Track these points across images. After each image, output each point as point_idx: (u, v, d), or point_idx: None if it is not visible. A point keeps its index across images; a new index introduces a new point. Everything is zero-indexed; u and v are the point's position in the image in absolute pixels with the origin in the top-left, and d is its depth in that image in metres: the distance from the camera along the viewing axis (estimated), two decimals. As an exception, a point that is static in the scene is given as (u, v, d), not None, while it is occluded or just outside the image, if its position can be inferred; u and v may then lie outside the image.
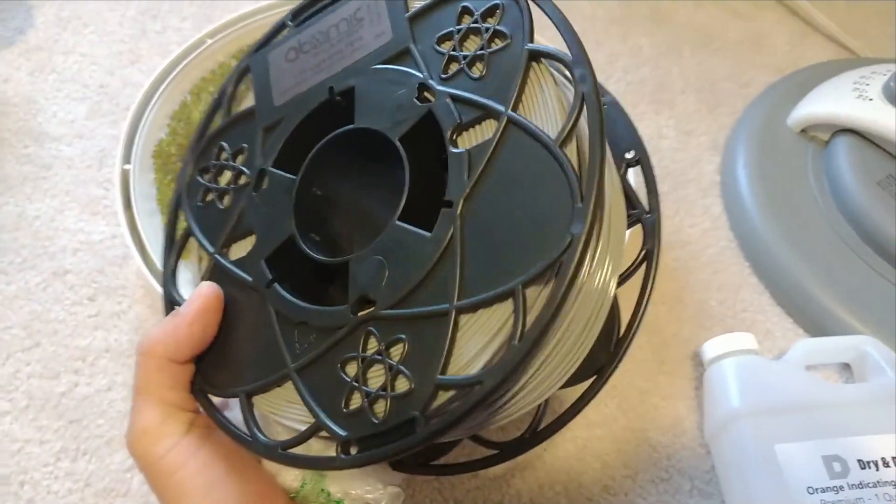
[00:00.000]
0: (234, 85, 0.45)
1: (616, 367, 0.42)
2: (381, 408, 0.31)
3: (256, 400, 0.36)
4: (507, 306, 0.30)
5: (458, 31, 0.36)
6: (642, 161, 0.44)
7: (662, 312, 0.62)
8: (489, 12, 0.36)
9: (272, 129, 0.41)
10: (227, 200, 0.42)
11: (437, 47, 0.37)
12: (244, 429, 0.36)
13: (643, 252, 0.42)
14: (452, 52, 0.36)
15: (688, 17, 0.84)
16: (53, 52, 0.70)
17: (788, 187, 0.67)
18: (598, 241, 0.33)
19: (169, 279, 0.42)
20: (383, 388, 0.32)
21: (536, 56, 0.34)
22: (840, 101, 0.67)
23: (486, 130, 0.34)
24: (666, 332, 0.61)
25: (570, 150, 0.31)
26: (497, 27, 0.35)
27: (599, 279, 0.34)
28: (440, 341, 0.31)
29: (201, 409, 0.37)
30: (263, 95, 0.43)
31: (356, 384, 0.32)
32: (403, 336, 0.32)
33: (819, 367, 0.59)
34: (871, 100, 0.65)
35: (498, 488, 0.52)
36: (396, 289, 0.33)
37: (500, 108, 0.33)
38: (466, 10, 0.36)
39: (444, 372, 0.30)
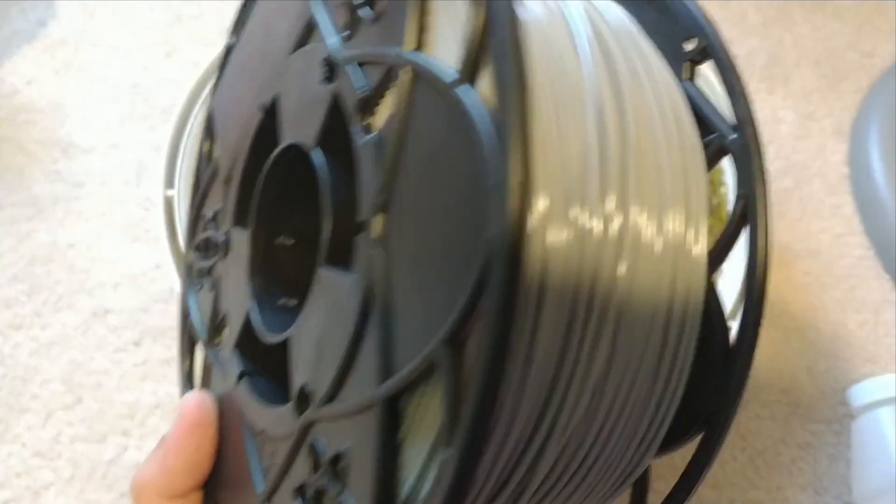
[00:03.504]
0: (207, 139, 0.36)
1: (736, 406, 0.24)
2: None
3: None
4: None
5: None
6: (713, 51, 0.25)
7: (793, 341, 0.53)
8: None
9: (231, 179, 0.32)
10: (214, 277, 0.33)
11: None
12: None
13: (740, 202, 0.23)
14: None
15: (798, -26, 0.72)
16: (80, 46, 0.61)
17: (935, 183, 0.57)
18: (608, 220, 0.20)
19: (184, 385, 0.34)
20: None
21: None
22: None
23: (397, 96, 0.22)
24: (798, 365, 0.52)
25: (486, 86, 0.19)
26: None
27: (660, 273, 0.21)
28: (374, 449, 0.20)
29: None
30: (223, 139, 0.34)
31: None
32: (348, 445, 0.21)
33: None
34: None
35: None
36: (330, 373, 0.22)
37: (394, 52, 0.21)
38: None
39: (382, 498, 0.19)
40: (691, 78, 0.25)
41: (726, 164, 0.50)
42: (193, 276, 0.36)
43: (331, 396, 0.22)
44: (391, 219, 0.21)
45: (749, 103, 0.23)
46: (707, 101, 0.24)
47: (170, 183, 0.49)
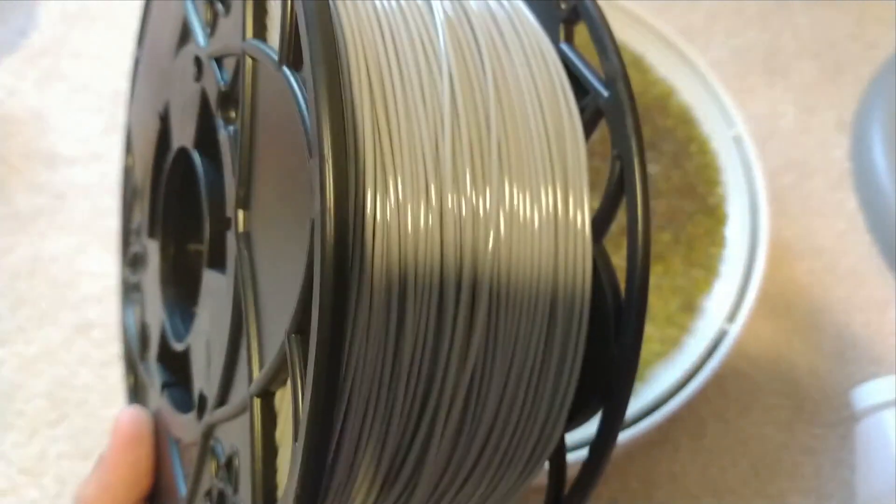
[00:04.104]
0: (129, 154, 0.36)
1: (632, 375, 0.21)
2: None
3: None
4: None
5: None
6: (583, 9, 0.23)
7: (796, 343, 0.52)
8: None
9: (144, 190, 0.32)
10: (141, 291, 0.33)
11: None
12: None
13: (616, 163, 0.22)
14: None
15: (796, -37, 0.71)
16: (61, 55, 0.60)
17: (940, 176, 0.55)
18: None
19: (130, 402, 0.33)
20: None
21: None
22: None
23: (244, 86, 0.22)
24: (801, 367, 0.51)
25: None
26: None
27: (539, 245, 0.20)
28: (252, 449, 0.19)
29: None
30: (136, 152, 0.34)
31: None
32: (237, 446, 0.21)
33: None
34: None
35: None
36: (217, 375, 0.22)
37: (237, 41, 0.21)
38: None
39: (262, 494, 0.19)
40: (568, 39, 0.24)
41: (723, 163, 0.49)
42: (128, 291, 0.36)
43: (221, 400, 0.21)
44: (252, 212, 0.20)
45: (621, 60, 0.21)
46: (584, 62, 0.23)
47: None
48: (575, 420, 0.22)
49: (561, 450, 0.23)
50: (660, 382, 0.42)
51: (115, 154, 0.56)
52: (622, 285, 0.21)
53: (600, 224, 0.22)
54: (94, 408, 0.48)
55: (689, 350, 0.43)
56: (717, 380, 0.50)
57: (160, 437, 0.29)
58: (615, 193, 0.21)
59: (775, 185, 0.58)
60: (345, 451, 0.18)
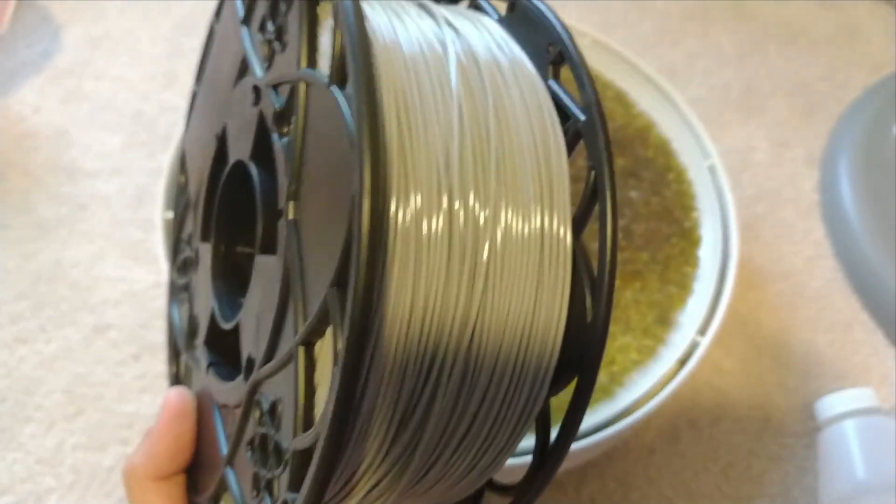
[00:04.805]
0: (182, 173, 0.41)
1: (603, 340, 0.25)
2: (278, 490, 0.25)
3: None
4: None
5: (265, 7, 0.30)
6: (567, 54, 0.28)
7: (766, 359, 0.55)
8: None
9: (198, 202, 0.37)
10: (189, 291, 0.38)
11: (261, 37, 0.31)
12: None
13: (591, 173, 0.26)
14: (268, 36, 0.30)
15: (772, 10, 0.76)
16: (84, 76, 0.64)
17: (900, 208, 0.60)
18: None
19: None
20: (270, 467, 0.25)
21: None
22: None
23: (299, 105, 0.27)
24: (770, 381, 0.55)
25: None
26: None
27: (527, 229, 0.24)
28: (295, 390, 0.23)
29: None
30: (191, 171, 0.39)
31: (255, 469, 0.26)
32: (281, 393, 0.25)
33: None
34: None
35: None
36: (266, 338, 0.26)
37: (293, 71, 0.27)
38: None
39: (303, 430, 0.23)
40: (555, 76, 0.29)
41: (698, 191, 0.53)
42: (175, 292, 0.40)
43: (268, 357, 0.25)
44: (300, 203, 0.25)
45: (595, 90, 0.27)
46: (566, 94, 0.28)
47: (170, 205, 0.52)
48: (557, 385, 0.26)
49: (546, 411, 0.27)
50: (637, 387, 0.46)
51: (134, 169, 0.60)
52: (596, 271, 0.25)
53: (579, 221, 0.26)
54: (108, 403, 0.51)
55: (664, 359, 0.47)
56: (692, 391, 0.54)
57: (202, 414, 0.33)
58: (590, 196, 0.26)
59: (749, 213, 0.62)
60: (370, 388, 0.22)
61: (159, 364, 0.53)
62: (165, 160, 0.52)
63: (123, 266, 0.56)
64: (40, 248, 0.57)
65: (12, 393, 0.51)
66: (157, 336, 0.54)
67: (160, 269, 0.51)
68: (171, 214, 0.52)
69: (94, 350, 0.53)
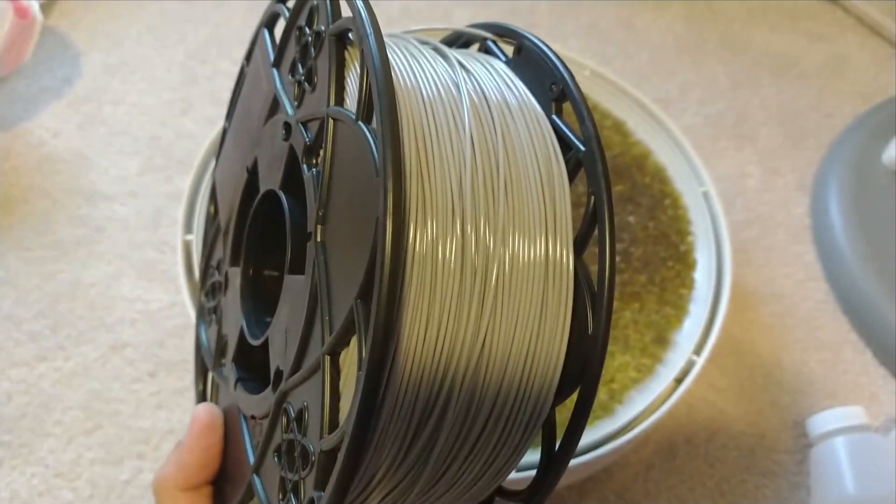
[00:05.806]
0: (212, 203, 0.44)
1: (603, 351, 0.27)
2: (304, 492, 0.27)
3: None
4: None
5: (296, 52, 0.33)
6: (568, 92, 0.31)
7: (759, 378, 0.57)
8: (311, 19, 0.33)
9: (228, 230, 0.40)
10: (218, 313, 0.41)
11: (291, 78, 0.34)
12: None
13: (591, 199, 0.29)
14: (298, 78, 0.33)
15: (763, 42, 0.79)
16: (102, 102, 0.67)
17: (888, 232, 0.62)
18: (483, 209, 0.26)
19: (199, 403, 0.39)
20: (297, 470, 0.27)
21: (341, 36, 0.30)
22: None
23: (327, 139, 0.30)
24: (763, 399, 0.57)
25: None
26: (315, 29, 0.32)
27: (533, 253, 0.27)
28: (321, 395, 0.26)
29: None
30: (222, 201, 0.42)
31: (282, 473, 0.28)
32: (307, 401, 0.27)
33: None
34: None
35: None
36: (293, 350, 0.29)
37: (322, 109, 0.29)
38: (299, 29, 0.34)
39: (329, 424, 0.25)
40: (558, 112, 0.32)
41: (693, 216, 0.56)
42: (204, 314, 0.43)
43: (295, 368, 0.28)
44: (327, 227, 0.28)
45: (594, 125, 0.30)
46: (568, 127, 0.31)
47: (188, 228, 0.54)
48: (560, 396, 0.28)
49: (551, 419, 0.29)
50: (635, 404, 0.48)
51: (151, 192, 0.62)
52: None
53: (580, 242, 0.29)
54: (125, 419, 0.53)
55: (661, 377, 0.49)
56: (688, 408, 0.56)
57: (229, 429, 0.35)
58: (590, 219, 0.29)
59: (742, 237, 0.64)
60: (388, 399, 0.24)
61: (174, 381, 0.54)
62: (185, 184, 0.55)
63: (140, 286, 0.58)
64: (59, 269, 0.59)
65: (32, 409, 0.53)
66: (172, 354, 0.55)
67: (175, 289, 0.53)
68: (190, 237, 0.54)
69: (111, 367, 0.55)
